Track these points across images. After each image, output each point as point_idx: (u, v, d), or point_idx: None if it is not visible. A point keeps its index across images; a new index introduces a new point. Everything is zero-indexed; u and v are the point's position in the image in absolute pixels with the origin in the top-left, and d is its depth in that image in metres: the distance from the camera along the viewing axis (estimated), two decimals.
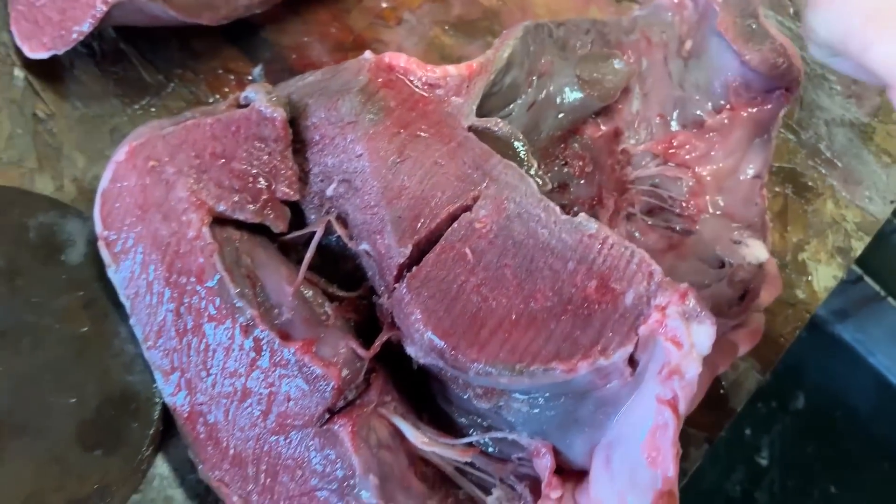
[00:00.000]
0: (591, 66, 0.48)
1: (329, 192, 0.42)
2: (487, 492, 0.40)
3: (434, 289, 0.37)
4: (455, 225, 0.39)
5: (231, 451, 0.40)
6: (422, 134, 0.42)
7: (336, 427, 0.38)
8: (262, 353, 0.39)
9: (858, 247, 0.59)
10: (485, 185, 0.40)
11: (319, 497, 0.39)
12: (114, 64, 0.54)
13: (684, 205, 0.50)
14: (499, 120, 0.43)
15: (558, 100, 0.48)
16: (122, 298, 0.42)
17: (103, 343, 0.43)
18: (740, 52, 0.48)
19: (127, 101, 0.53)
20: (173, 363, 0.41)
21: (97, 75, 0.54)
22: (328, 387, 0.38)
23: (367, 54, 0.45)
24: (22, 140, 0.51)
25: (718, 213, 0.51)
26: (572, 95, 0.48)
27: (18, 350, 0.42)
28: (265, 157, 0.42)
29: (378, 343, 0.39)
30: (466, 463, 0.40)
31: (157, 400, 0.42)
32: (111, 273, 0.42)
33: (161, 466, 0.44)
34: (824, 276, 0.57)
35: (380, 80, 0.43)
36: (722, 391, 0.52)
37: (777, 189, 0.59)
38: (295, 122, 0.44)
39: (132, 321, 0.42)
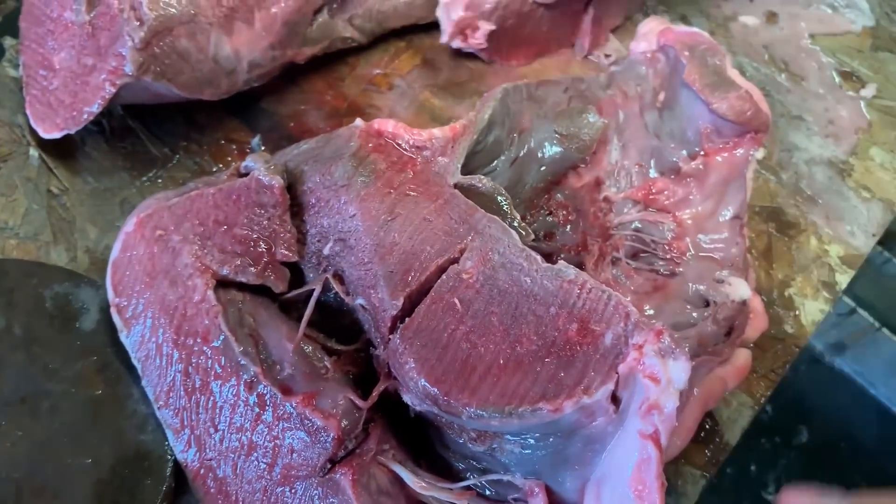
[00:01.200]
0: (567, 122, 0.51)
1: (326, 251, 0.45)
2: None
3: (426, 338, 0.40)
4: (444, 277, 0.41)
5: None
6: (411, 193, 0.44)
7: (337, 476, 0.40)
8: (266, 408, 0.41)
9: (843, 280, 0.60)
10: (470, 237, 0.42)
11: None
12: (122, 139, 0.58)
13: (667, 248, 0.52)
14: (482, 177, 0.45)
15: (539, 154, 0.51)
16: (134, 361, 0.44)
17: (117, 405, 0.45)
18: (708, 102, 0.50)
19: (135, 174, 0.56)
20: (183, 421, 0.43)
21: (107, 151, 0.57)
22: (329, 437, 0.40)
23: (358, 121, 0.48)
24: (38, 215, 0.54)
25: (700, 254, 0.53)
26: (552, 149, 0.51)
27: (37, 415, 0.44)
28: (265, 222, 0.45)
29: (375, 393, 0.41)
30: None
31: (170, 457, 0.44)
32: (123, 338, 0.45)
33: None
34: (811, 310, 0.58)
35: (370, 144, 0.46)
36: (717, 427, 0.53)
37: (761, 228, 0.61)
38: (292, 187, 0.46)
39: (144, 382, 0.44)
